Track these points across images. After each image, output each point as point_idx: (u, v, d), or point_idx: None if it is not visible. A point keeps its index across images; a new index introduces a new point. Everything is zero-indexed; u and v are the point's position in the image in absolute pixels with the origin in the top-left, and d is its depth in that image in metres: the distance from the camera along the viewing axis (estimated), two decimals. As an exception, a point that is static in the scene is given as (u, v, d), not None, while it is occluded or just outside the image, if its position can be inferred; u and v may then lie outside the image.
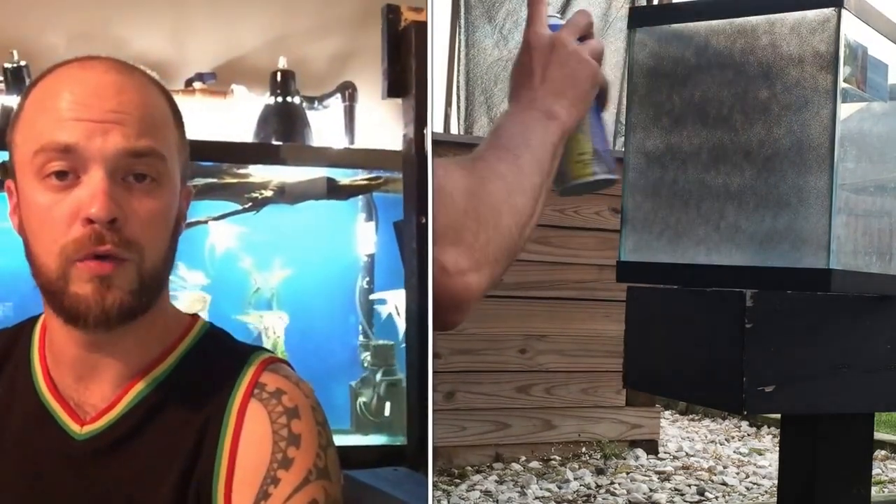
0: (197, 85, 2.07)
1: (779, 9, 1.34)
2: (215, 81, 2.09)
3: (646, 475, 3.85)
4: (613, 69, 4.98)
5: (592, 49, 1.07)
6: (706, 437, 4.82)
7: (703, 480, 3.82)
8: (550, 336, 4.07)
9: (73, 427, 0.91)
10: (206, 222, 2.08)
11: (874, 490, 2.84)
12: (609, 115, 4.94)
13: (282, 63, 2.14)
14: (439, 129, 5.07)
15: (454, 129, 5.18)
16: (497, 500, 3.43)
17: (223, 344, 0.99)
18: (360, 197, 2.18)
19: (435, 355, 3.76)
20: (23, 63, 1.93)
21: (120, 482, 0.90)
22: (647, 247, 1.46)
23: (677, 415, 5.44)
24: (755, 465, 4.17)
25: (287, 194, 2.12)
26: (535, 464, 3.93)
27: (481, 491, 3.51)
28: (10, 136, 0.90)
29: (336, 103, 2.18)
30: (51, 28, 1.86)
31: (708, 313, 1.40)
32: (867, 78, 1.36)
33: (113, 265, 0.85)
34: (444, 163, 0.96)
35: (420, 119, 1.80)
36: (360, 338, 2.22)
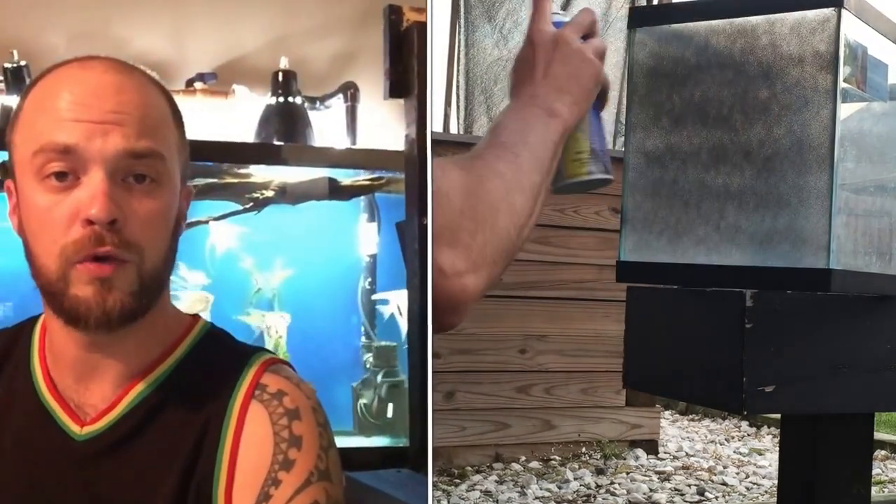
0: (198, 85, 2.07)
1: (779, 9, 1.34)
2: (216, 81, 2.09)
3: (646, 475, 3.85)
4: (613, 69, 4.98)
5: (596, 48, 1.06)
6: (706, 437, 4.82)
7: (703, 480, 3.82)
8: (550, 336, 4.07)
9: (73, 428, 0.91)
10: (206, 222, 2.08)
11: (874, 490, 2.84)
12: (609, 115, 4.95)
13: (283, 63, 2.14)
14: (439, 128, 5.07)
15: (454, 129, 5.18)
16: (497, 501, 3.43)
17: (224, 344, 0.99)
18: (362, 197, 2.18)
19: (435, 355, 3.76)
20: (23, 63, 1.93)
21: (120, 483, 0.90)
22: (647, 247, 1.46)
23: (677, 415, 5.44)
24: (755, 465, 4.17)
25: (288, 195, 2.12)
26: (535, 464, 3.93)
27: (481, 491, 3.51)
28: (10, 136, 0.90)
29: (338, 103, 2.18)
30: (51, 28, 1.86)
31: (708, 313, 1.40)
32: (867, 78, 1.36)
33: (113, 267, 0.85)
34: (442, 163, 0.95)
35: (422, 119, 1.80)
36: (363, 339, 2.22)
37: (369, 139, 2.16)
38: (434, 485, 3.56)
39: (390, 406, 2.14)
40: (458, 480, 3.65)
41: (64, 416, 0.92)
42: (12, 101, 1.87)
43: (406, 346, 2.00)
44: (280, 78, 2.14)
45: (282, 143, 2.16)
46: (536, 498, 3.47)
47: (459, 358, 3.83)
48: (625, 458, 4.08)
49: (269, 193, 2.10)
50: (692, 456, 4.30)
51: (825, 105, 1.30)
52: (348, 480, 0.96)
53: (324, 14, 2.05)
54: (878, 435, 4.16)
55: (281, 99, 2.14)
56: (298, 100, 2.16)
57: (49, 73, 0.90)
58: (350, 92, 2.14)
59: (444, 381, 3.81)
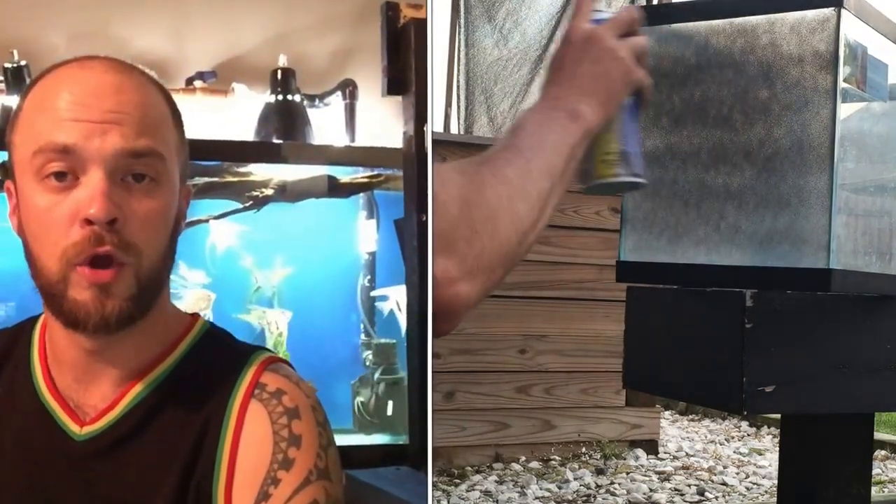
0: (198, 83, 2.08)
1: (779, 9, 1.34)
2: (216, 80, 2.09)
3: (646, 475, 3.85)
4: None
5: (633, 46, 1.03)
6: (706, 437, 4.82)
7: (703, 480, 3.82)
8: (550, 336, 4.06)
9: (73, 427, 0.91)
10: (206, 221, 2.08)
11: (874, 490, 2.84)
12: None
13: (282, 61, 2.14)
14: (439, 128, 5.07)
15: (454, 129, 5.18)
16: (497, 501, 3.43)
17: (223, 343, 0.99)
18: (361, 195, 2.18)
19: (434, 355, 3.76)
20: (23, 63, 1.93)
21: (120, 482, 0.90)
22: (647, 247, 1.46)
23: (677, 415, 5.44)
24: (755, 465, 4.17)
25: (288, 192, 2.12)
26: (534, 464, 3.92)
27: (481, 491, 3.51)
28: (10, 136, 0.90)
29: (337, 101, 2.18)
30: (51, 28, 1.86)
31: (708, 313, 1.40)
32: (867, 78, 1.36)
33: (112, 273, 0.85)
34: (444, 169, 0.93)
35: (420, 116, 1.80)
36: (362, 336, 2.22)
37: (368, 136, 2.16)
38: (434, 485, 3.56)
39: (390, 404, 2.14)
40: (457, 480, 3.65)
41: (64, 416, 0.92)
42: (12, 101, 1.87)
43: (405, 343, 2.00)
44: (279, 76, 2.14)
45: (281, 141, 2.16)
46: (536, 498, 3.47)
47: (459, 358, 3.83)
48: (625, 458, 4.08)
49: (269, 191, 2.10)
50: (692, 456, 4.30)
51: (825, 105, 1.30)
52: (348, 478, 0.96)
53: (322, 12, 2.05)
54: (878, 435, 4.16)
55: (280, 97, 2.15)
56: (297, 97, 2.16)
57: (49, 73, 0.90)
58: (349, 89, 2.14)
59: (444, 380, 3.81)
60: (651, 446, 4.26)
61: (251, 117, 2.18)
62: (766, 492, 3.70)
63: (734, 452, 4.41)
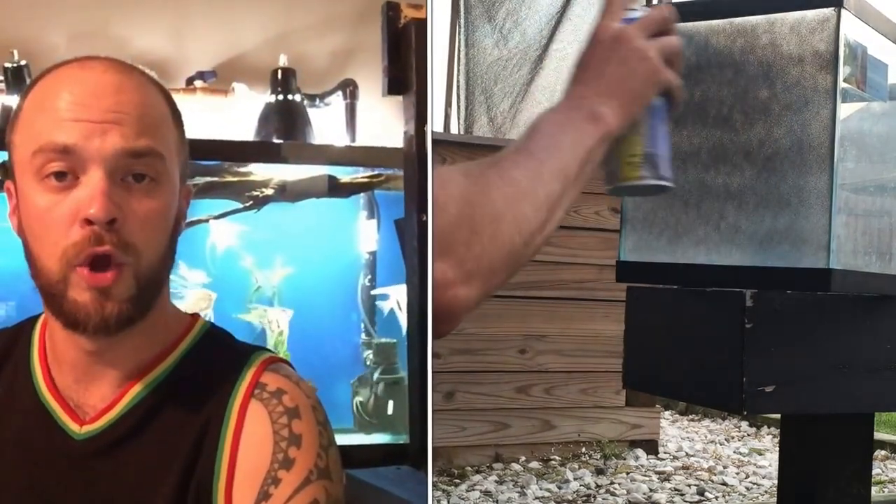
0: (198, 83, 2.08)
1: (779, 8, 1.34)
2: (216, 80, 2.09)
3: (646, 475, 3.85)
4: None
5: (663, 46, 0.99)
6: (706, 437, 4.82)
7: (703, 480, 3.81)
8: (550, 336, 4.06)
9: (73, 427, 0.91)
10: (207, 221, 2.08)
11: (874, 490, 2.84)
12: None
13: (282, 61, 2.14)
14: (439, 128, 5.07)
15: (454, 129, 5.18)
16: (497, 501, 3.43)
17: (223, 344, 0.99)
18: (362, 195, 2.18)
19: (434, 355, 3.76)
20: (23, 62, 1.93)
21: (120, 482, 0.90)
22: (647, 247, 1.46)
23: (677, 415, 5.43)
24: (755, 465, 4.16)
25: (288, 192, 2.12)
26: (534, 464, 3.92)
27: (481, 491, 3.51)
28: (10, 136, 0.90)
29: (337, 101, 2.18)
30: (51, 28, 1.87)
31: (708, 313, 1.40)
32: (867, 78, 1.36)
33: (112, 276, 0.85)
34: (447, 171, 0.92)
35: (421, 116, 1.80)
36: (363, 336, 2.22)
37: (368, 136, 2.16)
38: (434, 485, 3.56)
39: (390, 403, 2.14)
40: (457, 480, 3.65)
41: (63, 416, 0.92)
42: (12, 101, 1.87)
43: (405, 343, 2.00)
44: (279, 76, 2.14)
45: (281, 141, 2.16)
46: (536, 498, 3.47)
47: (459, 358, 3.83)
48: (625, 459, 4.08)
49: (269, 191, 2.11)
50: (692, 456, 4.29)
51: (825, 105, 1.30)
52: (348, 478, 0.96)
53: (322, 12, 2.05)
54: (878, 435, 4.16)
55: (280, 97, 2.15)
56: (298, 97, 2.16)
57: (49, 74, 0.90)
58: (349, 89, 2.14)
59: (444, 380, 3.81)
60: (651, 446, 4.26)
61: (251, 117, 2.18)
62: (766, 492, 3.70)
63: (734, 452, 4.41)
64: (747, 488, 3.75)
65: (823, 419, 1.54)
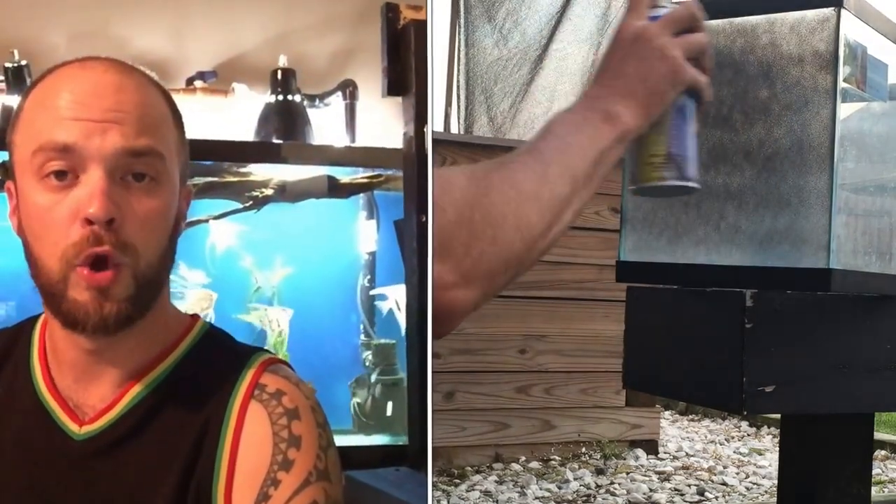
0: (198, 83, 2.08)
1: (779, 8, 1.34)
2: (216, 80, 2.09)
3: (646, 475, 3.85)
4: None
5: (688, 44, 0.97)
6: (706, 437, 4.82)
7: (703, 480, 3.82)
8: (550, 336, 4.06)
9: (72, 427, 0.91)
10: (206, 221, 2.08)
11: (874, 490, 2.84)
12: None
13: (282, 61, 2.14)
14: (439, 128, 5.07)
15: (454, 129, 5.17)
16: (497, 501, 3.43)
17: (223, 344, 0.99)
18: (361, 195, 2.18)
19: (434, 355, 3.76)
20: (23, 62, 1.93)
21: (119, 482, 0.90)
22: (647, 247, 1.46)
23: (677, 415, 5.44)
24: (755, 465, 4.16)
25: (288, 193, 2.12)
26: (534, 464, 3.92)
27: (481, 491, 3.51)
28: (10, 136, 0.90)
29: (337, 101, 2.18)
30: (51, 28, 1.87)
31: (708, 313, 1.40)
32: (867, 78, 1.36)
33: (111, 276, 0.85)
34: (448, 172, 0.90)
35: (420, 117, 1.80)
36: (362, 337, 2.22)
37: (368, 137, 2.16)
38: (434, 485, 3.56)
39: (389, 404, 2.14)
40: (457, 480, 3.65)
41: (63, 416, 0.92)
42: (13, 100, 1.87)
43: (405, 344, 2.00)
44: (279, 76, 2.14)
45: (281, 142, 2.16)
46: (536, 498, 3.47)
47: (459, 358, 3.83)
48: (625, 459, 4.08)
49: (269, 192, 2.11)
50: (692, 456, 4.30)
51: (825, 105, 1.29)
52: (347, 479, 0.96)
53: (322, 12, 2.05)
54: (878, 435, 4.16)
55: (280, 97, 2.15)
56: (298, 98, 2.17)
57: (49, 74, 0.91)
58: (349, 90, 2.14)
59: (444, 380, 3.81)
60: (651, 446, 4.26)
61: (251, 117, 2.18)
62: (766, 492, 3.70)
63: (734, 452, 4.41)
64: (747, 488, 3.75)
65: (823, 419, 1.54)
